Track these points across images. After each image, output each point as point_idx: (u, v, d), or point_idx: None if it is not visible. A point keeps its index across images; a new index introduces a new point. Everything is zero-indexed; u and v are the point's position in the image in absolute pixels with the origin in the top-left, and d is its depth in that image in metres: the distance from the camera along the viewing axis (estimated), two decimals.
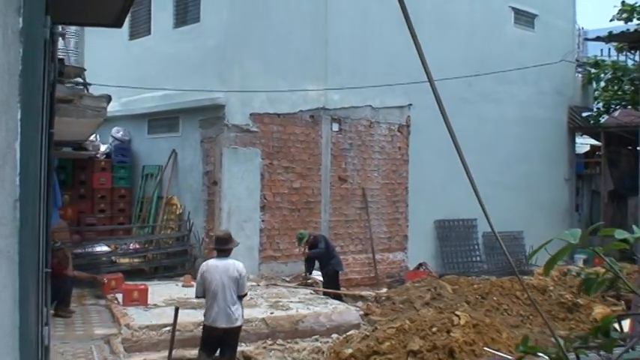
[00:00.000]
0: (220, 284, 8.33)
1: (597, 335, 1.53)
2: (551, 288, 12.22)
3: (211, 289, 8.33)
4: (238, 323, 8.45)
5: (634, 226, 1.55)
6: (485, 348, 5.77)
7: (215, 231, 11.23)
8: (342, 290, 13.71)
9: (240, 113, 14.06)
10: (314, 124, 15.08)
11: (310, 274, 13.58)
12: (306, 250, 13.26)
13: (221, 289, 8.33)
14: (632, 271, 10.86)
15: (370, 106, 15.94)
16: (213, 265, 8.53)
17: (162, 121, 16.06)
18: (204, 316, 8.55)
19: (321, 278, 13.37)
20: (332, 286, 13.08)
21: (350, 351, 7.22)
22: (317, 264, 13.38)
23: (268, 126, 14.42)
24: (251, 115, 14.17)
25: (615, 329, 1.76)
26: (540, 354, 1.76)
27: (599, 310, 10.93)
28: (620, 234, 1.50)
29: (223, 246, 8.74)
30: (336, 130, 15.44)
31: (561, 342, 1.62)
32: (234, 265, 8.54)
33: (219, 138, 14.03)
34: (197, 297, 8.69)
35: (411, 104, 16.34)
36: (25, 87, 1.60)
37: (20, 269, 1.35)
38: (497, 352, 4.84)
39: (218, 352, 8.54)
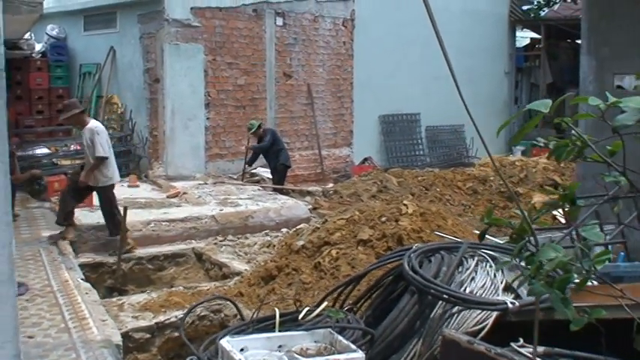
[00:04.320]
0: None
1: (564, 202, 1.58)
2: (492, 178, 12.59)
3: (109, 149, 8.84)
4: None
5: (607, 93, 1.57)
6: (436, 233, 5.99)
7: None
8: (289, 186, 13.83)
9: (180, 7, 13.54)
10: (257, 18, 14.69)
11: (249, 166, 13.58)
12: (250, 144, 13.22)
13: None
14: None
15: None
16: (103, 127, 9.10)
17: (98, 16, 15.40)
18: (112, 177, 8.97)
19: (269, 175, 13.44)
20: (280, 182, 13.17)
21: (302, 243, 7.36)
22: (264, 160, 13.40)
23: (210, 20, 13.98)
24: (192, 9, 13.68)
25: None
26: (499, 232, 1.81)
27: (537, 199, 11.34)
28: (593, 100, 1.53)
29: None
30: (280, 24, 15.10)
31: (525, 213, 1.68)
32: None
33: (160, 33, 13.57)
34: (105, 158, 8.73)
35: None
36: None
37: None
38: (446, 236, 5.05)
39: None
